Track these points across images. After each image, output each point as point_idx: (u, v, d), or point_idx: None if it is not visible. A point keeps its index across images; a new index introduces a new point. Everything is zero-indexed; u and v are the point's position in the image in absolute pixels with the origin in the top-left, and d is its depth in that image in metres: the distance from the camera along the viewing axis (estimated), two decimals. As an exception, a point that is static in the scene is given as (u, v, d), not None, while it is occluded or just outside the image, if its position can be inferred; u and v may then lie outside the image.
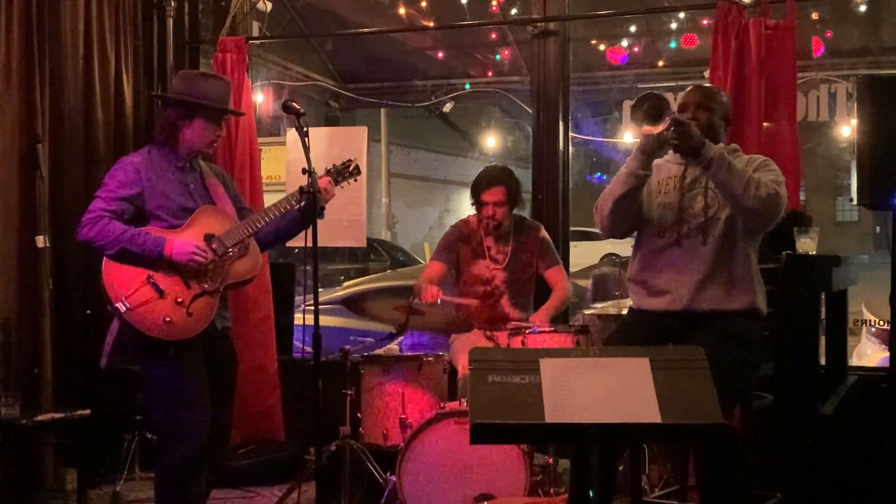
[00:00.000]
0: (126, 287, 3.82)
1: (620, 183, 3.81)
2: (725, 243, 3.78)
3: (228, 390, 4.21)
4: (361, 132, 6.10)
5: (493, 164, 6.19)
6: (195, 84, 4.12)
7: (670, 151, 3.91)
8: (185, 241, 3.90)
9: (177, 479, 3.92)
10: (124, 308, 3.79)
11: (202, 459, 3.94)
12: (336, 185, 4.32)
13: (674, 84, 9.64)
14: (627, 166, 3.79)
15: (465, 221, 5.30)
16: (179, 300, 3.89)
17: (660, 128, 3.57)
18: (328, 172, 4.34)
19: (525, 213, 5.53)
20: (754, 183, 3.61)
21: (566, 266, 5.57)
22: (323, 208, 4.07)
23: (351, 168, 4.40)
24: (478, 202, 5.14)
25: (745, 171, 3.65)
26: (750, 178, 3.62)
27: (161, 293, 3.85)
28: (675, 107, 3.81)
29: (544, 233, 5.23)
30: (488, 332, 4.94)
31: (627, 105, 9.67)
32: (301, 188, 4.03)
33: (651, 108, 3.57)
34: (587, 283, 7.98)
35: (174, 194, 4.00)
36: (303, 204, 4.02)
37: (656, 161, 3.91)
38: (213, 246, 3.96)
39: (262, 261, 5.55)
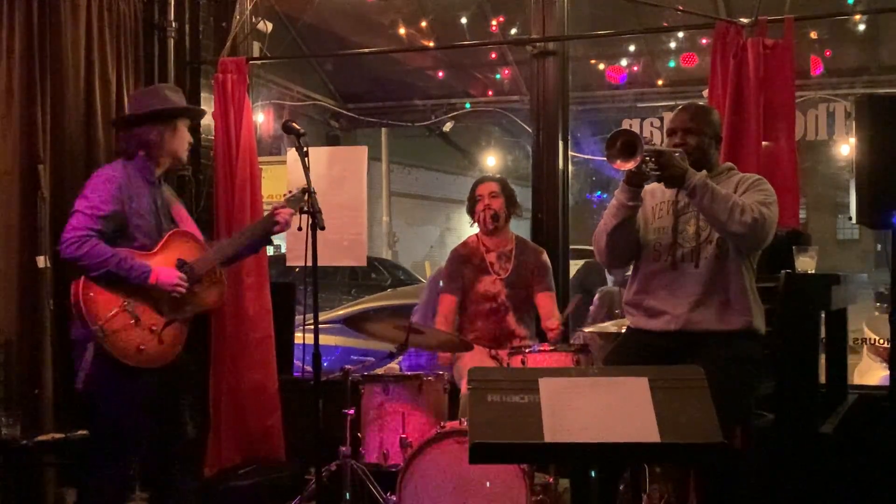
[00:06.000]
0: (103, 312, 3.85)
1: (611, 216, 3.87)
2: (718, 265, 3.80)
3: (184, 400, 4.28)
4: (362, 151, 6.11)
5: None
6: (164, 96, 4.25)
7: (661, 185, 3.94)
8: (169, 272, 3.97)
9: (103, 498, 4.00)
10: (102, 333, 3.81)
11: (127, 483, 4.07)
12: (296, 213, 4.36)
13: (672, 103, 9.66)
14: (616, 199, 3.85)
15: (464, 244, 5.33)
16: (154, 328, 3.95)
17: (633, 163, 3.59)
18: (287, 201, 4.40)
19: (524, 231, 5.55)
20: (738, 209, 3.63)
21: (566, 285, 5.60)
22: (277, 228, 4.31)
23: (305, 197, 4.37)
24: (473, 200, 5.23)
25: (730, 197, 3.66)
26: (734, 203, 3.64)
27: (137, 320, 3.90)
28: (658, 137, 3.85)
29: (546, 257, 5.27)
30: (493, 352, 4.96)
31: (626, 124, 9.70)
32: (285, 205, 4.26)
33: (624, 146, 3.59)
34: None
35: (148, 214, 4.07)
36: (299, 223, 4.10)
37: (651, 186, 3.94)
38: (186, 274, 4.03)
39: (264, 281, 5.64)
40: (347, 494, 4.50)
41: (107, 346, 3.83)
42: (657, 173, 3.68)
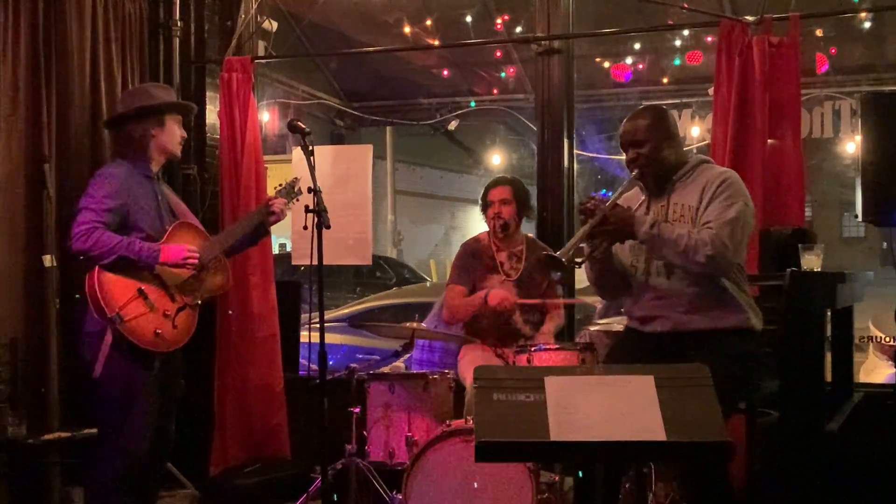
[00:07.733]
0: (119, 299, 3.96)
1: (588, 270, 3.94)
2: (697, 275, 3.76)
3: (174, 402, 4.40)
4: (366, 150, 6.11)
5: None
6: (149, 93, 4.37)
7: (636, 189, 3.97)
8: (178, 248, 4.10)
9: (111, 492, 4.03)
10: (119, 320, 3.92)
11: (137, 476, 4.08)
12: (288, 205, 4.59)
13: (678, 101, 9.68)
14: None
15: (476, 239, 5.31)
16: (167, 313, 4.08)
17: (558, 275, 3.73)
18: (279, 193, 4.57)
19: (530, 229, 5.53)
20: (691, 250, 3.61)
21: (572, 283, 5.59)
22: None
23: (296, 188, 4.62)
24: (485, 204, 5.22)
25: (681, 239, 3.63)
26: (686, 246, 3.62)
27: (152, 306, 4.03)
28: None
29: None
30: (499, 350, 4.95)
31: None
32: (268, 203, 4.46)
33: (550, 265, 3.66)
34: (591, 300, 7.95)
35: (150, 208, 4.20)
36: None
37: (626, 196, 3.94)
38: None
39: (270, 280, 5.66)
40: (353, 493, 4.50)
41: (124, 331, 3.94)
42: (607, 242, 3.77)
